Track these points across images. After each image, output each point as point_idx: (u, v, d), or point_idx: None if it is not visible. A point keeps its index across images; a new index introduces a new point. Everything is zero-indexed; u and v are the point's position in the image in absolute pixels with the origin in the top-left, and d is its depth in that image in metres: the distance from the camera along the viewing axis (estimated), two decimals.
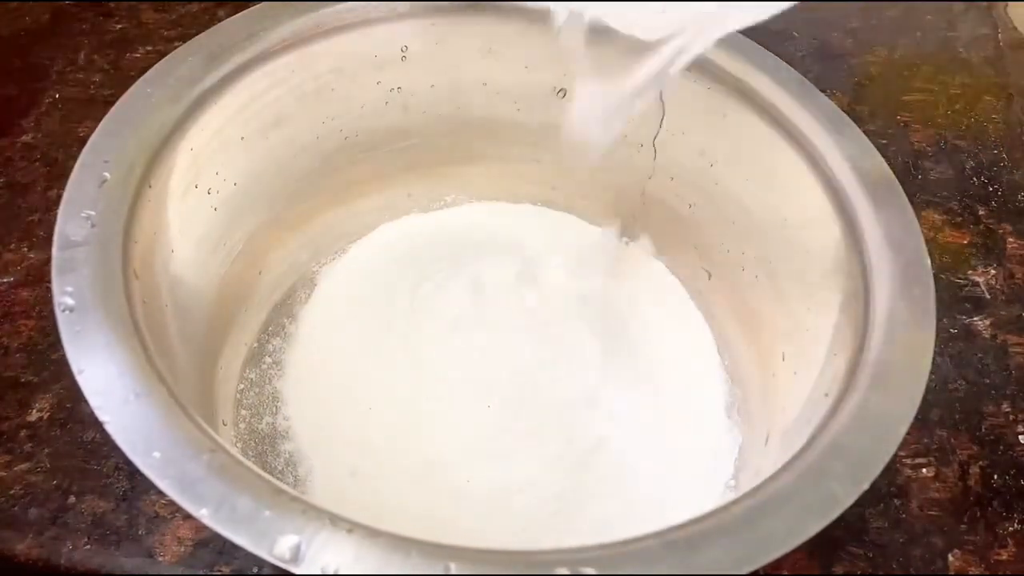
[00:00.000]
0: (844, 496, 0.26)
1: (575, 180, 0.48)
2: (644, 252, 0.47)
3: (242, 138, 0.39)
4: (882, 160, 0.36)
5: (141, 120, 0.34)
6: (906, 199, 0.35)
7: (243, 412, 0.42)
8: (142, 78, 0.35)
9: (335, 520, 0.25)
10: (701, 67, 0.40)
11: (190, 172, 0.37)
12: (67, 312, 0.28)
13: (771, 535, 0.25)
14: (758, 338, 0.43)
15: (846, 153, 0.36)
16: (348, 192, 0.47)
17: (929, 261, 0.33)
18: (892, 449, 0.27)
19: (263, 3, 0.39)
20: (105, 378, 0.27)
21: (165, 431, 0.26)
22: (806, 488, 0.27)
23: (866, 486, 0.27)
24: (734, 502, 0.26)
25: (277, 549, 0.24)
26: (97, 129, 0.33)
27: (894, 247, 0.33)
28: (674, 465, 0.40)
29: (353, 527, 0.25)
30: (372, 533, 0.25)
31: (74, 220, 0.31)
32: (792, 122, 0.38)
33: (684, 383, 0.42)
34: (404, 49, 0.43)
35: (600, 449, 0.40)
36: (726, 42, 0.40)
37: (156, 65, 0.36)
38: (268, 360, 0.44)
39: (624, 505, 0.38)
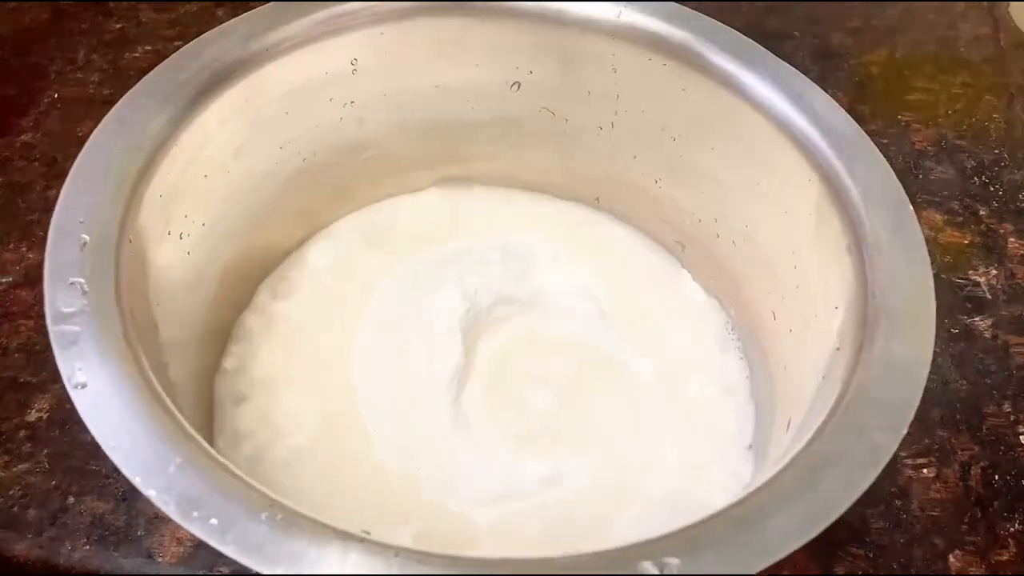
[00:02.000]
0: (888, 444, 0.27)
1: (536, 170, 0.48)
2: (619, 230, 0.48)
3: (205, 176, 0.38)
4: (845, 114, 0.37)
5: (107, 171, 0.32)
6: (876, 149, 0.36)
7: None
8: (99, 127, 0.33)
9: (405, 555, 0.24)
10: (655, 43, 0.41)
11: (162, 219, 0.35)
12: (80, 388, 0.27)
13: (830, 493, 0.26)
14: (738, 302, 0.44)
15: (810, 111, 0.37)
16: (311, 213, 0.46)
17: (911, 207, 0.34)
18: (919, 392, 0.29)
19: (213, 29, 0.37)
20: (138, 450, 0.26)
21: (217, 495, 0.25)
22: (850, 443, 0.27)
23: (904, 431, 0.28)
24: (785, 468, 0.27)
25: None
26: (64, 186, 0.32)
27: (874, 196, 0.35)
28: (694, 434, 0.41)
29: (425, 557, 0.24)
30: (451, 562, 0.24)
31: (62, 289, 0.29)
32: (751, 87, 0.39)
33: (691, 352, 0.43)
34: (354, 62, 0.42)
35: (609, 440, 0.40)
36: (675, 18, 0.41)
37: (112, 111, 0.34)
38: (253, 395, 0.42)
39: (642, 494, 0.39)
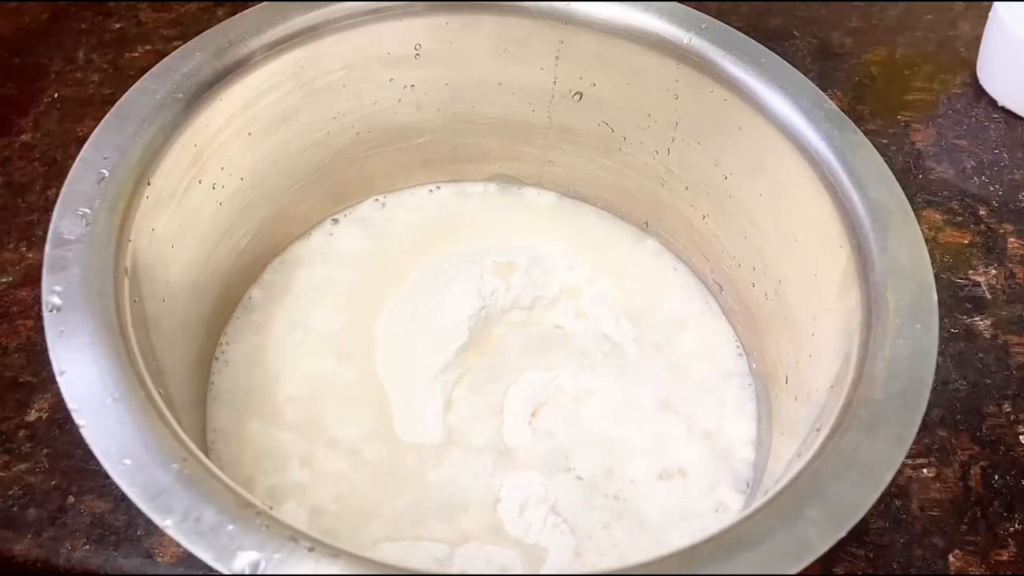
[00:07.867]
0: (819, 543, 0.25)
1: (588, 183, 0.48)
2: (661, 259, 0.47)
3: (249, 133, 0.39)
4: (897, 185, 0.35)
5: (143, 116, 0.34)
6: (918, 228, 0.33)
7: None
8: (148, 73, 0.35)
9: (297, 537, 0.25)
10: (718, 75, 0.39)
11: (194, 168, 0.37)
12: (54, 312, 0.28)
13: None
14: (761, 356, 0.42)
15: (860, 176, 0.35)
16: (357, 186, 0.47)
17: (936, 297, 0.31)
18: (875, 496, 0.26)
19: (266, 1, 0.39)
20: (85, 381, 0.27)
21: (138, 438, 0.26)
22: (781, 531, 0.26)
23: (843, 534, 0.26)
24: (705, 541, 0.26)
25: (236, 564, 0.24)
26: (99, 125, 0.33)
27: (899, 276, 0.32)
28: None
29: (315, 545, 0.25)
30: (333, 552, 0.25)
31: (69, 217, 0.31)
32: (807, 139, 0.37)
33: (707, 398, 0.42)
34: (417, 47, 0.42)
35: (608, 462, 0.40)
36: (744, 52, 0.39)
37: (162, 61, 0.36)
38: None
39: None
